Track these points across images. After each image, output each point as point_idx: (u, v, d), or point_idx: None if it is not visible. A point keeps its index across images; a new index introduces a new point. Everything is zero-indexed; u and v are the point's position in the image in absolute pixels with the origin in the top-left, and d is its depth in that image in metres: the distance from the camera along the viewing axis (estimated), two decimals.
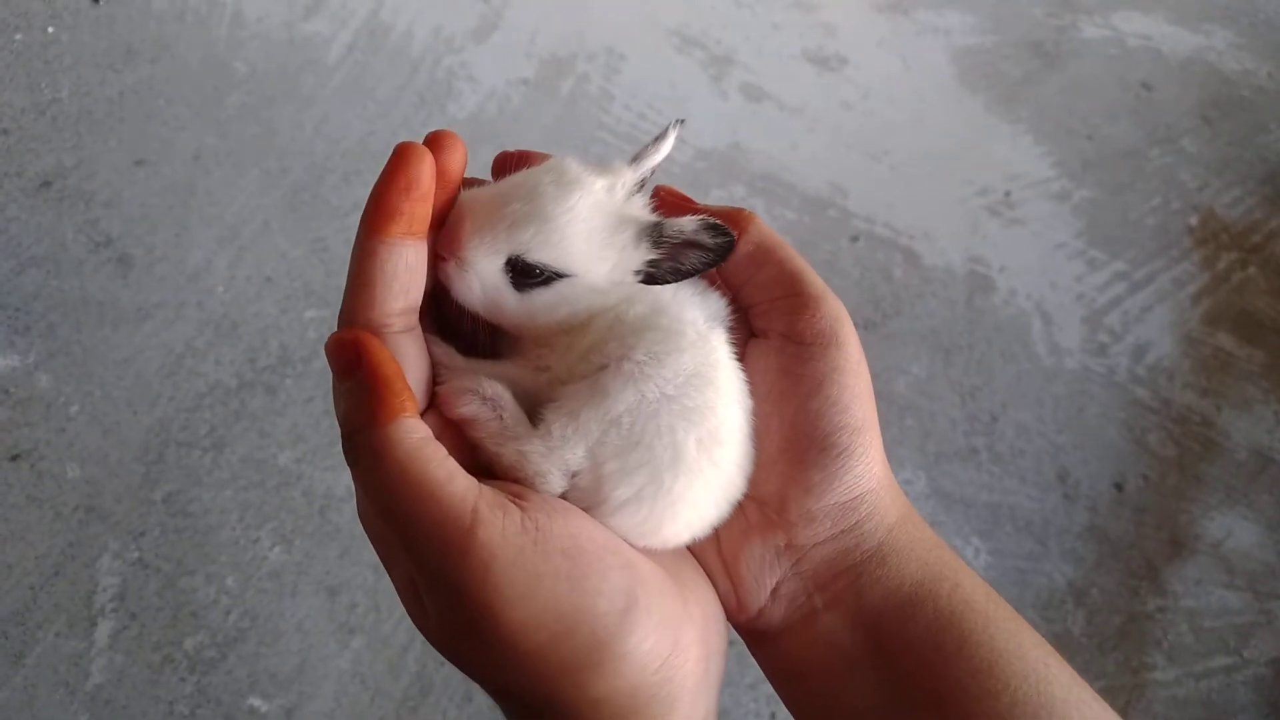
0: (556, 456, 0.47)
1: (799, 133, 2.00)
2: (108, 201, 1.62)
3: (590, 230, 0.49)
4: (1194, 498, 1.70)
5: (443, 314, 0.52)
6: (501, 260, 0.48)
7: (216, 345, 1.51)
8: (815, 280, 0.51)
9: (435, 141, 0.47)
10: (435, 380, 0.48)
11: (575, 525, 0.44)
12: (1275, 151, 2.18)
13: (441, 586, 0.41)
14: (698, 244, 0.49)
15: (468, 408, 0.47)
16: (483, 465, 0.47)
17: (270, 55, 1.84)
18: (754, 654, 0.52)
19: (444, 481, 0.41)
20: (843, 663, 0.48)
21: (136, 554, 1.35)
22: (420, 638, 1.34)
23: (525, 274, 0.48)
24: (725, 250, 0.48)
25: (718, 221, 0.48)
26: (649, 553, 0.48)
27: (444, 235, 0.49)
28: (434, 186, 0.45)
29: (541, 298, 0.49)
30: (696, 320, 0.50)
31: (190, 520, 1.38)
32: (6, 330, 1.48)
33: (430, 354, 0.48)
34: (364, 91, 1.83)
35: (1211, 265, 1.96)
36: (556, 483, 0.47)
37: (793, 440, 0.49)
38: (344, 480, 1.43)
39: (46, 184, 1.63)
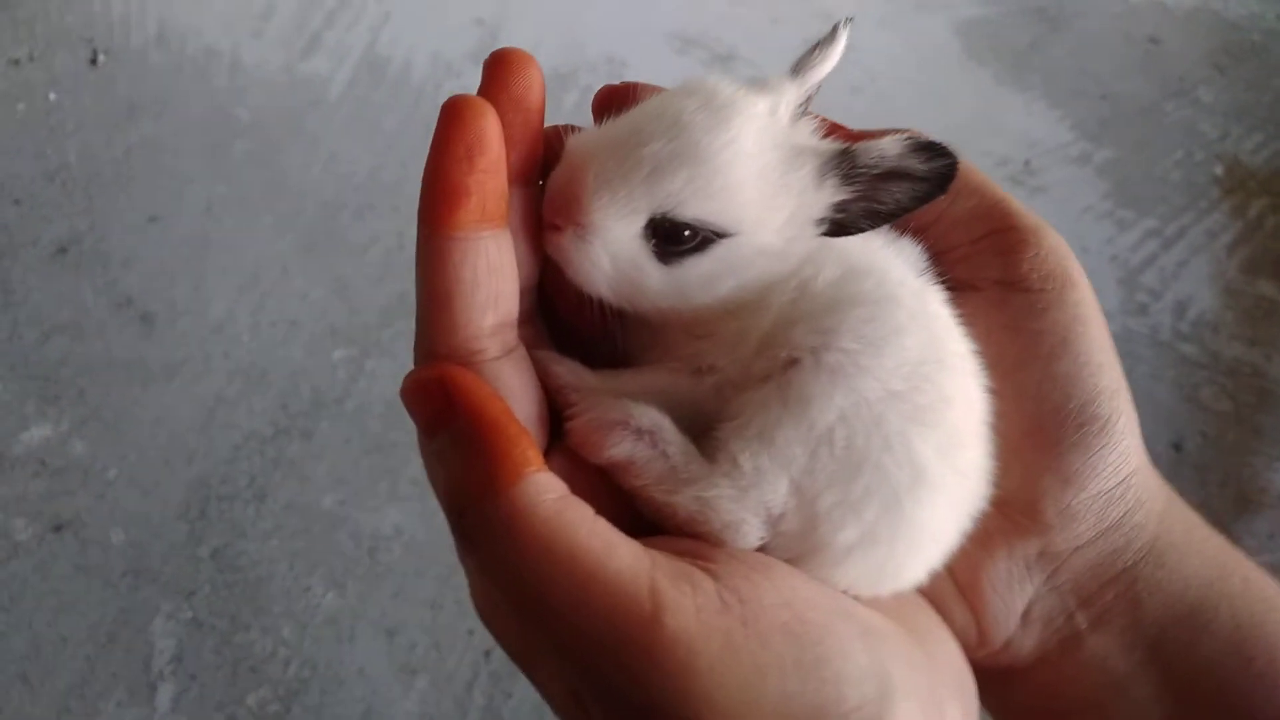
0: (752, 499, 0.35)
1: None
2: (125, 261, 1.60)
3: (760, 170, 0.37)
4: (1255, 450, 1.65)
5: (552, 310, 0.40)
6: (641, 222, 0.36)
7: (247, 395, 1.49)
8: (1024, 210, 0.40)
9: (497, 69, 0.35)
10: (562, 410, 0.37)
11: (789, 588, 0.33)
12: None
13: (624, 703, 0.30)
14: (903, 173, 0.36)
15: (620, 448, 0.35)
16: (640, 517, 0.36)
17: (272, 99, 1.83)
18: (988, 701, 0.40)
19: (603, 556, 0.30)
20: (1118, 696, 0.38)
21: (189, 614, 1.33)
22: (485, 666, 1.32)
23: (673, 238, 0.36)
24: (944, 178, 0.36)
25: (929, 140, 0.36)
26: (874, 603, 0.37)
27: (554, 194, 0.37)
28: (504, 150, 0.34)
29: (697, 269, 0.37)
30: (908, 280, 0.38)
31: (240, 574, 1.36)
32: (37, 401, 1.46)
33: (547, 376, 0.37)
34: (369, 125, 1.81)
35: (1242, 213, 1.91)
36: (754, 533, 0.35)
37: (1039, 418, 0.38)
38: (390, 519, 1.40)
39: (62, 250, 1.62)
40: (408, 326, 1.62)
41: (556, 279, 0.39)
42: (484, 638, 1.33)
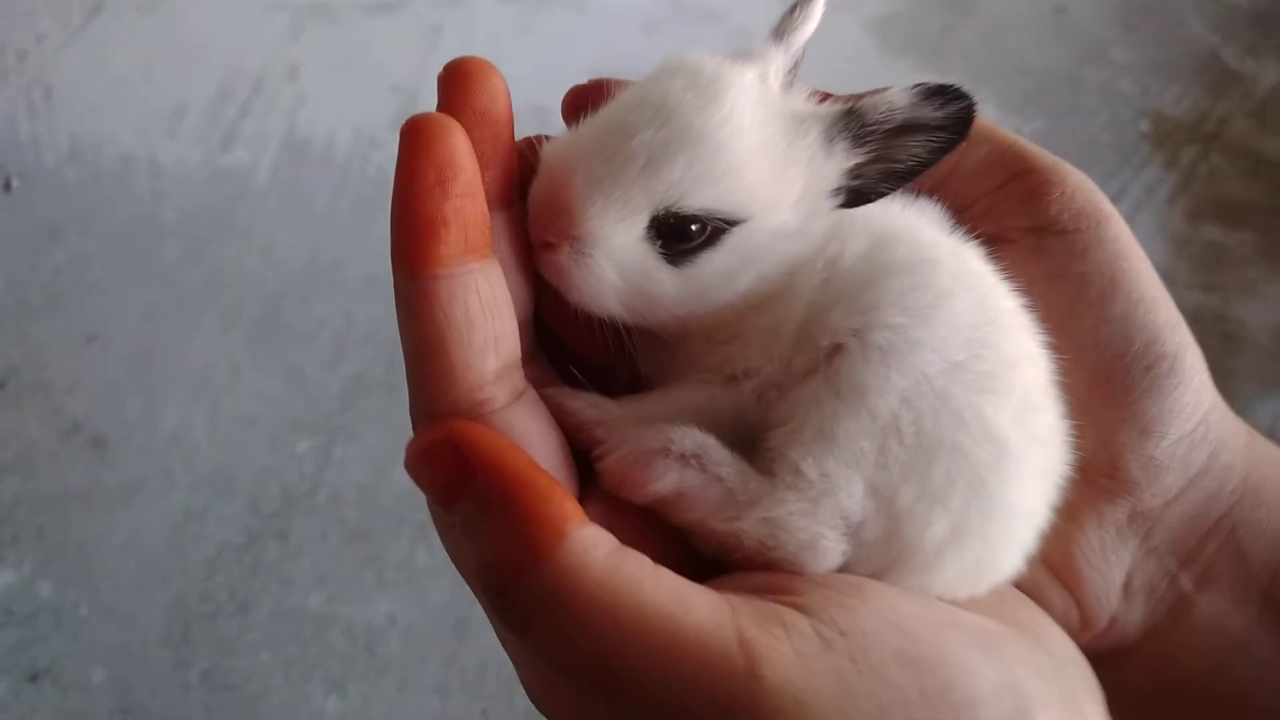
0: (826, 509, 0.31)
1: None
2: (67, 387, 1.54)
3: (763, 144, 0.33)
4: (1231, 393, 1.66)
5: (553, 341, 0.36)
6: (642, 223, 0.33)
7: (214, 504, 1.44)
8: (1039, 150, 0.37)
9: (455, 82, 0.31)
10: (590, 450, 0.32)
11: (889, 608, 0.29)
12: (1200, 41, 2.18)
13: None
14: (918, 124, 0.33)
15: (666, 479, 0.31)
16: (699, 557, 0.32)
17: (197, 196, 1.78)
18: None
19: (677, 611, 0.26)
20: (1241, 657, 0.34)
21: None
22: None
23: (680, 235, 0.33)
24: (962, 122, 0.33)
25: (940, 84, 0.33)
26: (974, 604, 0.33)
27: (539, 209, 0.33)
28: (479, 171, 0.30)
29: (711, 265, 0.33)
30: (941, 240, 0.35)
31: (234, 693, 1.29)
32: None
33: (564, 414, 0.33)
34: (300, 208, 1.77)
35: (1175, 164, 1.94)
36: (835, 548, 0.31)
37: (1102, 368, 0.35)
38: (382, 609, 1.35)
39: (1, 385, 1.55)
40: (370, 407, 1.59)
41: (555, 304, 0.35)
42: (499, 717, 1.28)
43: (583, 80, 0.38)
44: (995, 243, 0.37)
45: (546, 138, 0.37)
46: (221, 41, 1.98)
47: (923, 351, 0.32)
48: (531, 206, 0.34)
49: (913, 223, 0.36)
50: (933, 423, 0.32)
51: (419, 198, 0.29)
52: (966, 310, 0.33)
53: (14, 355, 1.58)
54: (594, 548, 0.27)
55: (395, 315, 0.32)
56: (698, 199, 0.33)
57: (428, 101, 1.94)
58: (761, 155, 0.34)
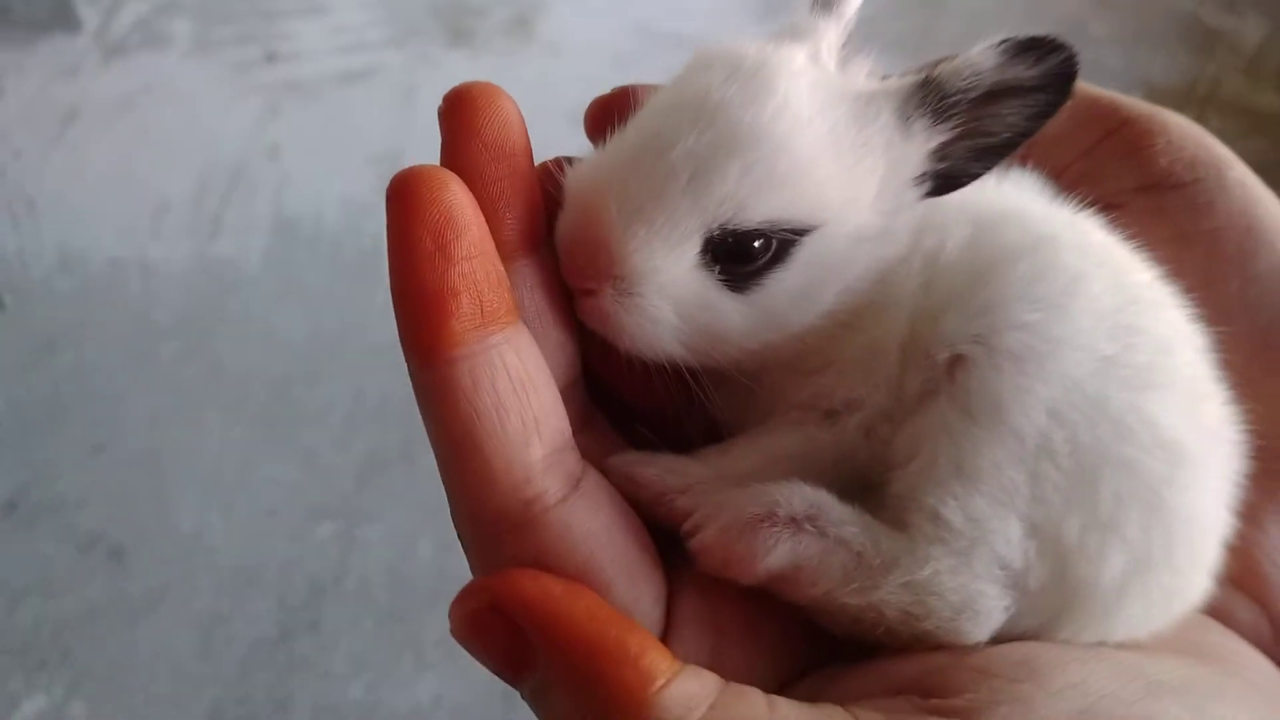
0: (980, 560, 0.26)
1: None
2: (79, 501, 1.51)
3: (828, 134, 0.28)
4: None
5: (612, 393, 0.31)
6: (695, 248, 0.28)
7: (241, 603, 1.39)
8: (1129, 99, 0.33)
9: (460, 112, 0.27)
10: (676, 526, 0.28)
11: (1073, 692, 0.23)
12: (1176, 4, 2.16)
13: None
14: (1009, 87, 0.28)
15: (778, 552, 0.26)
16: (826, 635, 0.27)
17: (190, 291, 1.76)
18: None
19: None
20: None
21: None
22: None
23: (741, 255, 0.28)
24: (1063, 78, 0.28)
25: (1031, 35, 0.28)
26: (1158, 642, 0.28)
27: (571, 249, 0.29)
28: (485, 223, 0.26)
29: (783, 286, 0.29)
30: (1053, 213, 0.30)
31: None
32: (23, 673, 1.35)
33: (637, 488, 0.28)
34: (296, 289, 1.75)
35: None
36: (996, 606, 0.26)
37: (1258, 334, 0.30)
38: (426, 690, 1.30)
39: (11, 506, 1.52)
40: (389, 483, 1.55)
41: (606, 354, 0.30)
42: None
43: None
44: (1103, 210, 0.32)
45: (569, 160, 0.31)
46: (199, 131, 1.97)
47: (1065, 350, 0.27)
48: (562, 247, 0.29)
49: (1016, 198, 0.31)
50: (1090, 435, 0.26)
51: (418, 269, 0.25)
52: (1105, 292, 0.28)
53: (22, 475, 1.55)
54: (691, 708, 0.22)
55: (407, 383, 0.27)
56: (758, 210, 0.28)
57: (416, 161, 1.93)
58: (827, 148, 0.28)
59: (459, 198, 0.25)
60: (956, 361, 0.28)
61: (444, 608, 0.27)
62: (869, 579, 0.26)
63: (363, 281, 1.76)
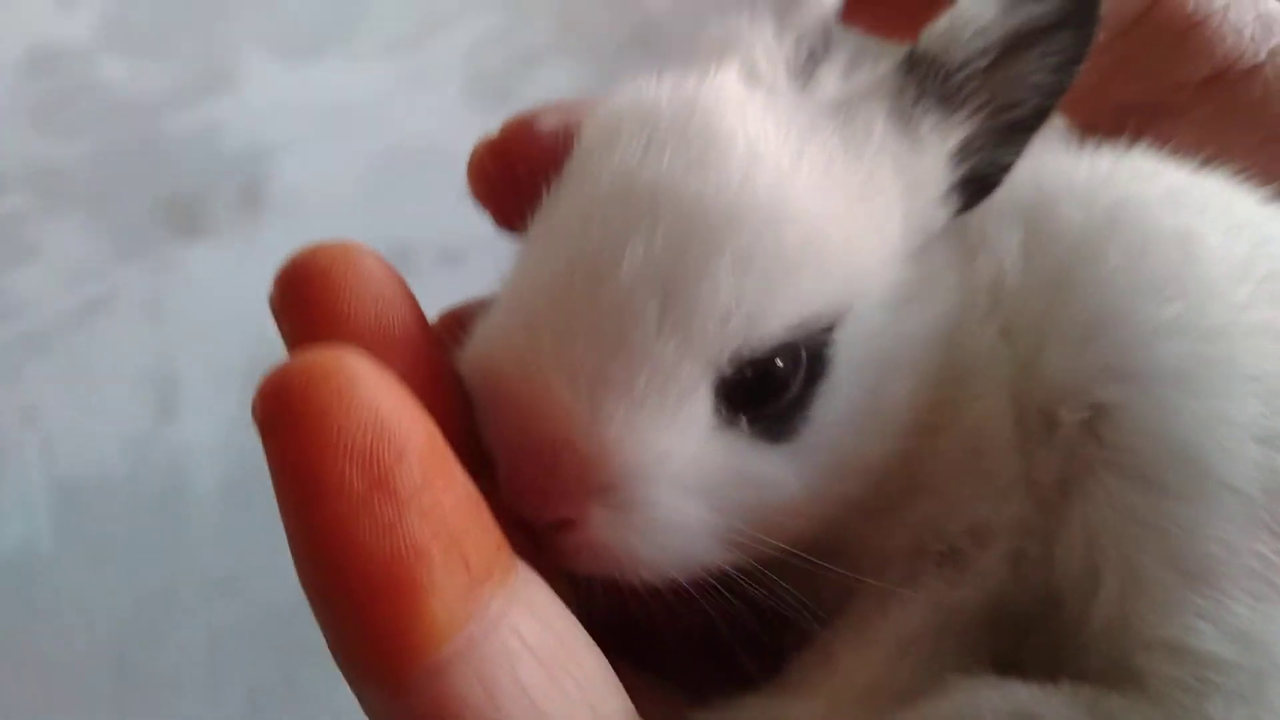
0: (1273, 692, 0.18)
1: None
2: None
3: (819, 175, 0.20)
4: None
5: (635, 637, 0.22)
6: (703, 405, 0.20)
7: None
8: None
9: (296, 297, 0.19)
10: None
11: None
12: None
13: None
14: (1025, 33, 0.21)
15: None
16: None
17: None
18: None
19: None
20: None
21: None
22: None
23: (768, 388, 0.20)
24: (1089, 15, 0.21)
25: None
26: None
27: (518, 470, 0.20)
28: (428, 420, 0.18)
29: (834, 410, 0.21)
30: (1102, 169, 0.22)
31: None
32: None
33: None
34: (102, 554, 1.58)
35: None
36: None
37: None
38: None
39: None
40: None
41: (611, 588, 0.21)
42: None
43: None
44: (1157, 120, 0.24)
45: (465, 313, 0.22)
46: None
47: (1236, 340, 0.19)
48: (504, 468, 0.20)
49: (1050, 165, 0.24)
50: None
51: (348, 529, 0.16)
52: (1226, 240, 0.20)
53: None
54: None
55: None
56: (776, 313, 0.20)
57: (194, 381, 1.75)
58: (824, 193, 0.21)
59: (380, 390, 0.16)
60: (1097, 416, 0.20)
61: None
62: None
63: (185, 528, 1.61)
